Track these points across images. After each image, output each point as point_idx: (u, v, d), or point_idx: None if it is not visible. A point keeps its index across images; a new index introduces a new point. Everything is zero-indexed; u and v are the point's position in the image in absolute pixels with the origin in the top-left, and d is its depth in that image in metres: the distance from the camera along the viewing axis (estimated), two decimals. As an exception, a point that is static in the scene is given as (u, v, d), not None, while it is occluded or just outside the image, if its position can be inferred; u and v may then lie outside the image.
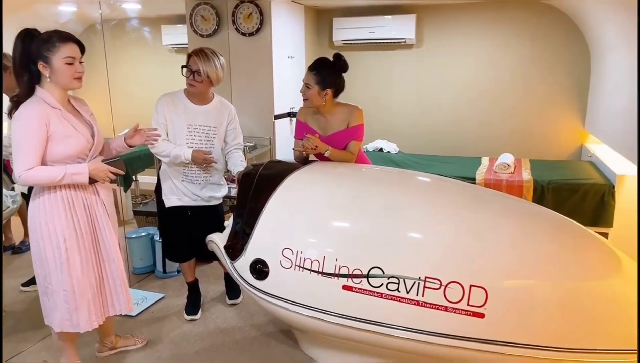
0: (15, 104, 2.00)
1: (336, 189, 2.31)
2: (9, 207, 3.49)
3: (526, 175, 3.80)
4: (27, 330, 2.76)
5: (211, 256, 2.84)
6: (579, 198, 3.53)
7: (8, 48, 2.67)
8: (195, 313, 2.89)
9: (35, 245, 2.09)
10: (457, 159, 4.56)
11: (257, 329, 2.78)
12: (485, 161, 4.38)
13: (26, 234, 4.07)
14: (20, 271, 3.55)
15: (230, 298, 3.05)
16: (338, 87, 2.53)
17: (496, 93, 4.90)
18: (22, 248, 3.98)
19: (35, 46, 1.94)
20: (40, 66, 1.95)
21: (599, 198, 3.48)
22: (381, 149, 4.73)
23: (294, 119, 4.73)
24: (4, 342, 2.65)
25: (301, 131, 2.66)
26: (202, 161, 2.60)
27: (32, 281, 3.29)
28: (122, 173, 2.19)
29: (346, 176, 2.43)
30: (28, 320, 2.89)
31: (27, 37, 1.97)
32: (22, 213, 3.87)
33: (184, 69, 2.58)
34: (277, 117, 4.43)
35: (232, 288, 3.07)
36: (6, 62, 3.03)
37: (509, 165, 3.93)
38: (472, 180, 3.81)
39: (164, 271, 3.36)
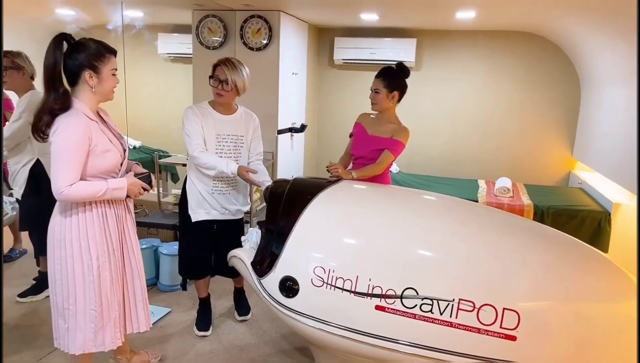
0: (50, 115, 1.86)
1: (368, 208, 2.33)
2: (7, 214, 3.37)
3: (526, 199, 3.92)
4: (25, 349, 2.61)
5: (215, 271, 2.86)
6: (577, 223, 3.67)
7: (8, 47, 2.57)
8: (207, 330, 2.84)
9: (60, 263, 1.95)
10: (455, 181, 4.67)
11: (271, 346, 2.75)
12: (482, 183, 4.50)
13: (16, 241, 3.91)
14: (14, 280, 3.42)
15: (240, 315, 3.01)
16: (403, 90, 2.71)
17: (490, 118, 5.07)
18: (12, 256, 3.83)
19: (84, 55, 1.86)
20: (87, 75, 1.88)
21: (596, 224, 3.63)
22: (382, 168, 4.78)
23: (295, 135, 4.78)
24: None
25: (355, 131, 2.84)
26: (245, 178, 2.56)
27: (29, 292, 3.17)
28: (150, 188, 2.15)
29: (376, 196, 2.45)
30: (25, 335, 2.76)
31: (69, 44, 1.88)
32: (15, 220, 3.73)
33: (211, 80, 2.57)
34: (280, 132, 4.44)
35: (242, 305, 3.04)
36: (20, 62, 2.95)
37: (508, 189, 4.05)
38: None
39: (184, 288, 3.25)
